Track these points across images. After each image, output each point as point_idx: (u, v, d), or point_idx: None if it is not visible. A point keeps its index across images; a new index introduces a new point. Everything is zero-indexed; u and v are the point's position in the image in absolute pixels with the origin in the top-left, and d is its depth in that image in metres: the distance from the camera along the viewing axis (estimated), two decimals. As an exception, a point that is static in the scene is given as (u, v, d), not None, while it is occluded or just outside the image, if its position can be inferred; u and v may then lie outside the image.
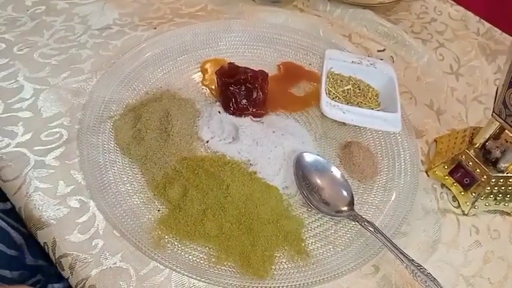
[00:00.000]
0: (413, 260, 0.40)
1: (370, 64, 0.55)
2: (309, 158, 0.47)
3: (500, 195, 0.46)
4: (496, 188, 0.46)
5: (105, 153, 0.46)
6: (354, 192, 0.46)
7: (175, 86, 0.54)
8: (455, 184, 0.48)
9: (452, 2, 0.70)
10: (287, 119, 0.53)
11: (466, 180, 0.47)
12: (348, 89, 0.52)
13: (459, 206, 0.48)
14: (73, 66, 0.53)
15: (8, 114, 0.48)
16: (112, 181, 0.45)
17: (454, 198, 0.49)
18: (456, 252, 0.45)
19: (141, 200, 0.44)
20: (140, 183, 0.45)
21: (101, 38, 0.57)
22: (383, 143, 0.52)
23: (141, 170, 0.46)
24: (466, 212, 0.47)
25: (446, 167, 0.49)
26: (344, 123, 0.53)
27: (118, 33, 0.58)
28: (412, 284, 0.42)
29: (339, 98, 0.53)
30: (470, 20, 0.69)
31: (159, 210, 0.43)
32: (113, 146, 0.47)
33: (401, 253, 0.40)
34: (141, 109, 0.48)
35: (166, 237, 0.42)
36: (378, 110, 0.51)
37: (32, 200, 0.42)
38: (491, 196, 0.46)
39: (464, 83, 0.61)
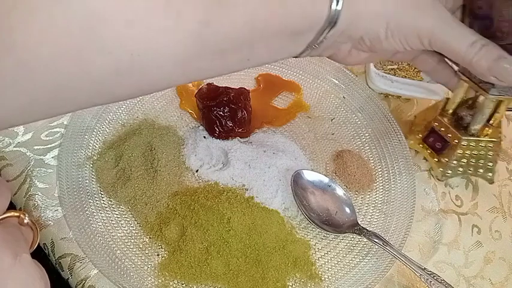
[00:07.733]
0: (425, 268, 0.40)
1: None
2: (305, 175, 0.46)
3: (472, 160, 0.47)
4: (468, 152, 0.46)
5: (89, 199, 0.43)
6: (354, 205, 0.45)
7: (152, 113, 0.50)
8: (429, 152, 0.48)
9: None
10: (274, 134, 0.51)
11: (438, 145, 0.47)
12: (393, 68, 0.57)
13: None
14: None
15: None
16: (102, 230, 0.41)
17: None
18: (457, 252, 0.45)
19: (137, 247, 0.41)
20: (133, 227, 0.42)
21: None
22: (372, 147, 0.51)
23: (131, 213, 0.42)
24: (439, 177, 0.48)
25: (420, 135, 0.49)
26: (332, 133, 0.52)
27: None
28: (413, 283, 0.42)
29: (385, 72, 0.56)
30: None
31: (158, 255, 0.40)
32: (96, 189, 0.43)
33: (414, 264, 0.40)
34: (121, 146, 0.45)
35: (171, 283, 0.39)
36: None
37: (31, 200, 0.43)
38: (464, 160, 0.47)
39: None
